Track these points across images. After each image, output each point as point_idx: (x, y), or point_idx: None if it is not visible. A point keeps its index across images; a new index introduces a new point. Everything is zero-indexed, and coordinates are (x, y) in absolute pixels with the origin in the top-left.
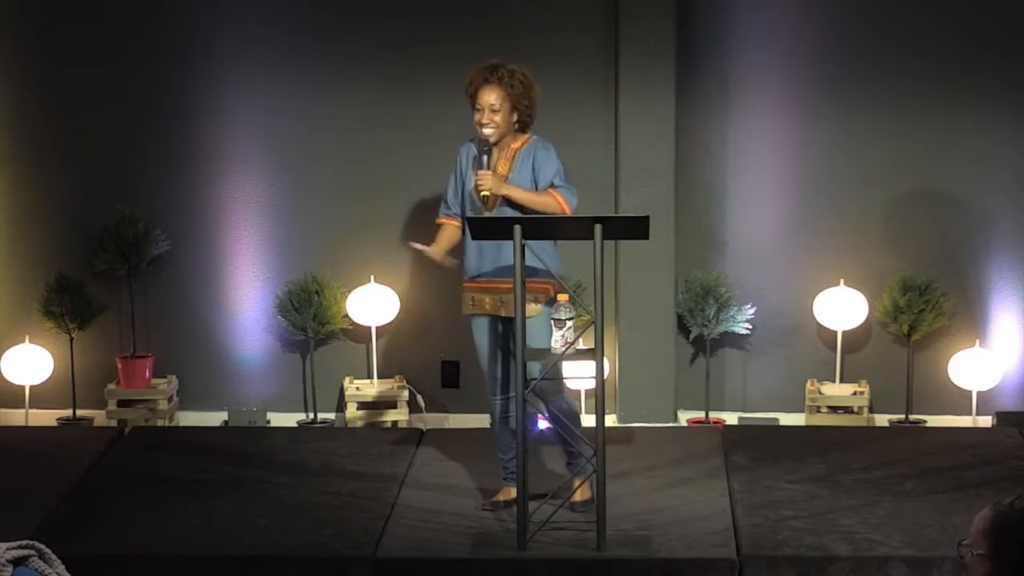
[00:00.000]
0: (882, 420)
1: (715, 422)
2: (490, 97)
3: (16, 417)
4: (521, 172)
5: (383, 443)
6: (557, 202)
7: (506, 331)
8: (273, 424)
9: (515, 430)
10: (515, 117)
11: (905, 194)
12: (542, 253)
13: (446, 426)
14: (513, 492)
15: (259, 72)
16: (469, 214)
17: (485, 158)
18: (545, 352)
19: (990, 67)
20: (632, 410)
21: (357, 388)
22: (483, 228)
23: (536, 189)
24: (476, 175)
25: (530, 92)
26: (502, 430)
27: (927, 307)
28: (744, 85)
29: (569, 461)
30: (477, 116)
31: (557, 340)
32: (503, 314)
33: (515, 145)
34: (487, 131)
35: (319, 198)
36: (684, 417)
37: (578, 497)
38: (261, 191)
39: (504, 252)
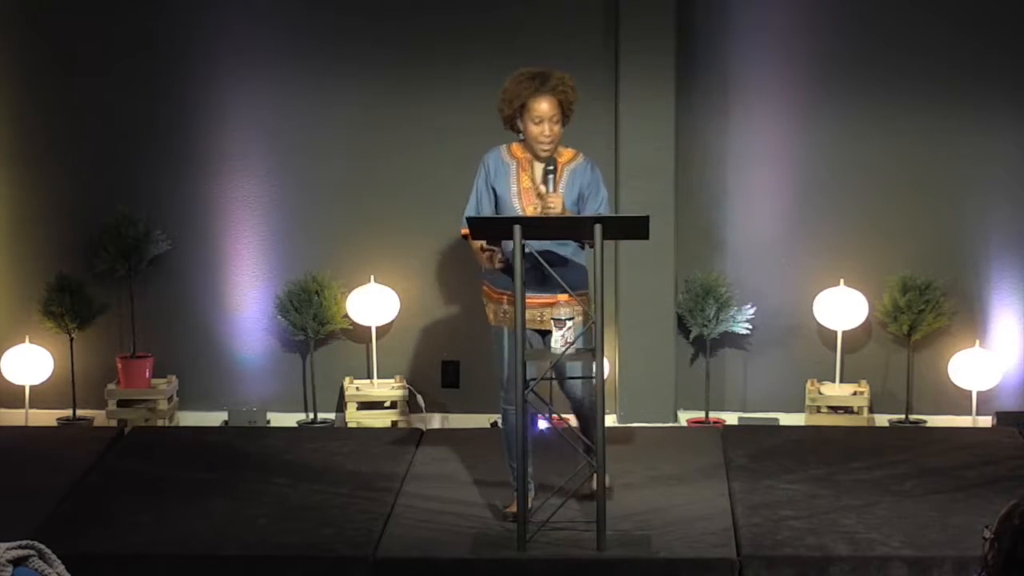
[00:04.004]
0: (882, 420)
1: (715, 422)
2: (548, 109)
3: (16, 417)
4: (569, 190)
5: (383, 443)
6: None
7: (543, 343)
8: (273, 424)
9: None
10: (563, 124)
11: (905, 194)
12: (587, 263)
13: (446, 426)
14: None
15: (259, 72)
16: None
17: (552, 178)
18: (544, 353)
19: (991, 66)
20: (632, 410)
21: (357, 388)
22: (483, 228)
23: (578, 211)
24: (546, 196)
25: (575, 98)
26: (514, 438)
27: (927, 307)
28: (744, 85)
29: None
30: (536, 129)
31: (557, 340)
32: (542, 328)
33: (562, 160)
34: (547, 146)
35: (319, 198)
36: (684, 417)
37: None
38: (261, 191)
39: (551, 266)
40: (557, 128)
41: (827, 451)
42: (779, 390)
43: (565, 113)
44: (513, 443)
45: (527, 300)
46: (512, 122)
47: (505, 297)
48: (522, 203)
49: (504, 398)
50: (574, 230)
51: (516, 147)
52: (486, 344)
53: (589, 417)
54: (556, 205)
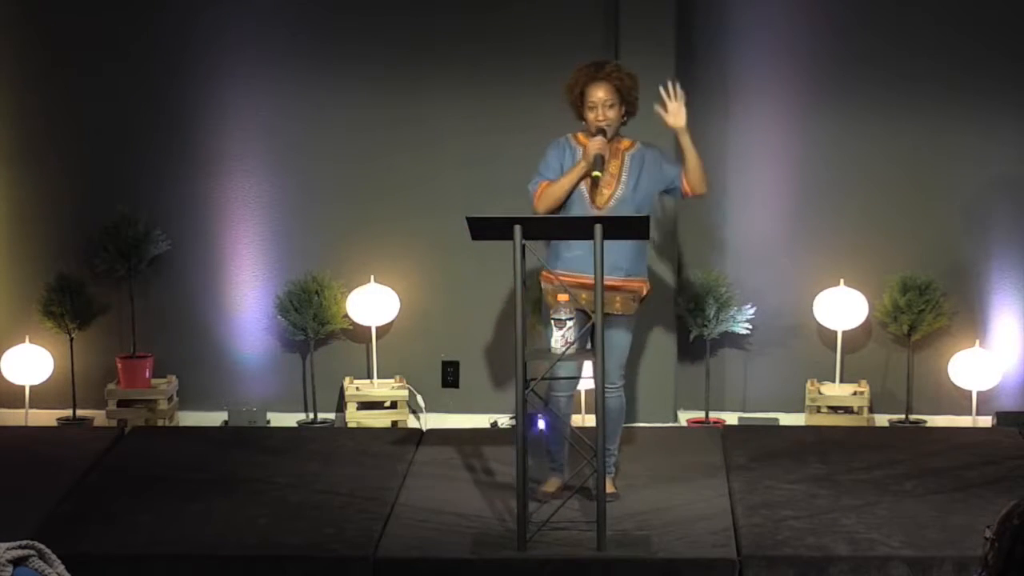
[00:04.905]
0: (882, 420)
1: (715, 422)
2: (602, 94)
3: (16, 417)
4: (629, 175)
5: (383, 443)
6: (702, 176)
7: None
8: (273, 424)
9: (564, 426)
10: (623, 111)
11: (905, 194)
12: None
13: (446, 426)
14: (555, 484)
15: (259, 72)
16: (578, 214)
17: (600, 138)
18: (546, 352)
19: (991, 66)
20: (632, 410)
21: (357, 388)
22: (483, 228)
23: (653, 191)
24: (589, 143)
25: (636, 85)
26: (557, 424)
27: (927, 307)
28: (744, 85)
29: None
30: (591, 115)
31: (557, 340)
32: (605, 311)
33: (622, 146)
34: (605, 127)
35: (319, 198)
36: (684, 417)
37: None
38: (261, 191)
39: (611, 247)
40: (611, 113)
41: (827, 451)
42: (779, 390)
43: (625, 100)
44: (555, 430)
45: (585, 280)
46: (580, 111)
47: (567, 278)
48: (588, 185)
49: (551, 384)
50: (575, 230)
51: (581, 135)
52: (486, 344)
53: (610, 419)
54: (595, 146)
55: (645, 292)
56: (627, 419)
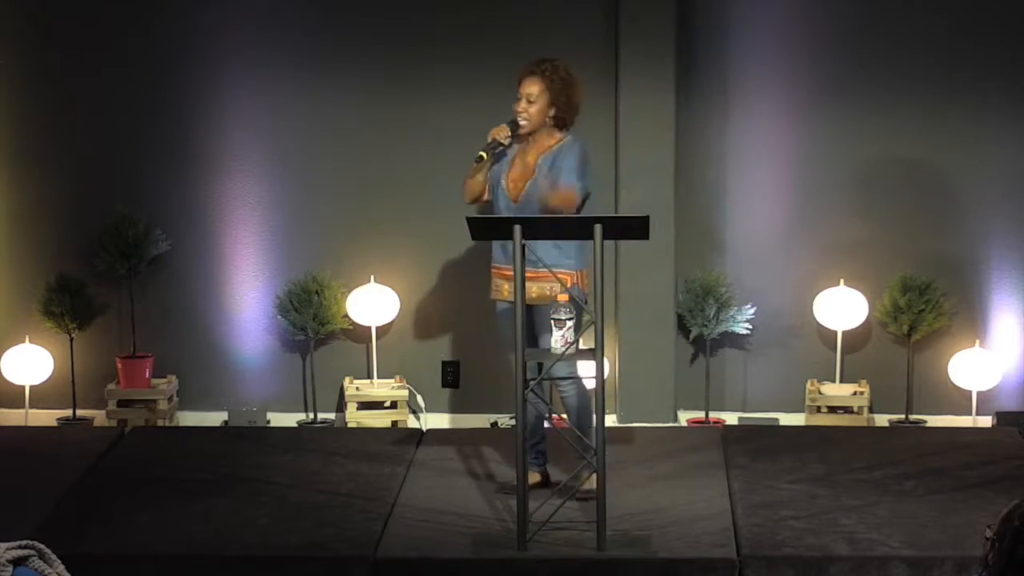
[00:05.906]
0: (882, 420)
1: (715, 422)
2: (529, 88)
3: (16, 417)
4: (541, 170)
5: (383, 443)
6: (564, 195)
7: (528, 318)
8: (273, 424)
9: (540, 418)
10: (552, 112)
11: (905, 194)
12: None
13: (446, 426)
14: (535, 477)
15: (259, 72)
16: (502, 210)
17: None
18: (545, 352)
19: (991, 66)
20: (632, 410)
21: (357, 388)
22: (483, 228)
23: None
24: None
25: (569, 88)
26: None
27: (927, 307)
28: (744, 85)
29: (583, 455)
30: (516, 106)
31: (557, 340)
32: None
33: (549, 142)
34: (520, 120)
35: (319, 198)
36: (684, 417)
37: (587, 487)
38: (261, 191)
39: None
40: (532, 108)
41: (827, 451)
42: (779, 390)
43: (555, 100)
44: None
45: (507, 272)
46: None
47: (497, 270)
48: (507, 178)
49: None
50: (573, 229)
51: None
52: (486, 344)
53: (574, 414)
54: (499, 132)
55: (571, 284)
56: (627, 419)
